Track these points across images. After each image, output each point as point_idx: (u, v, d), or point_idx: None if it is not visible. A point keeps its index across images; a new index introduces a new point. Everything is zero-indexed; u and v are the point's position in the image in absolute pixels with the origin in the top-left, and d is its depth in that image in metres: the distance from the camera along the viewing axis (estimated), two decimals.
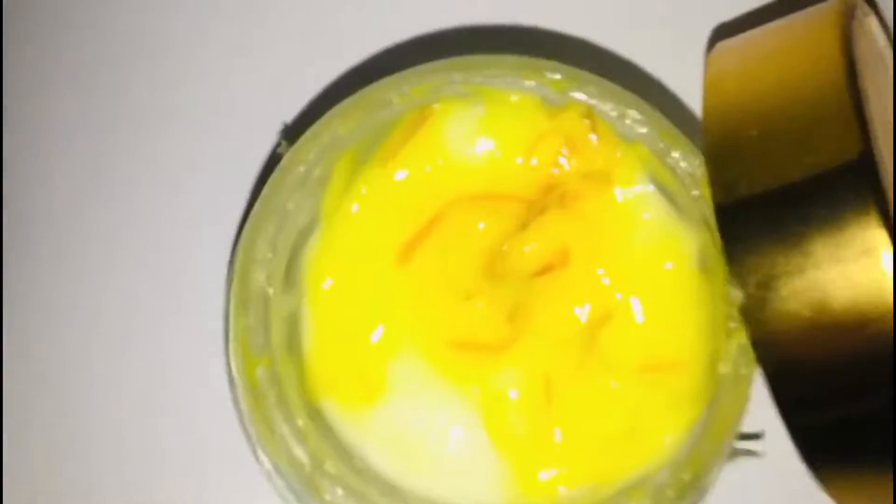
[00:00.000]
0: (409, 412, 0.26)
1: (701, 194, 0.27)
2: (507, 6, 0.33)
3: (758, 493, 0.31)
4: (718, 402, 0.25)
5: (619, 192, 0.27)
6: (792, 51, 0.27)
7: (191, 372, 0.31)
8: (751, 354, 0.24)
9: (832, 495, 0.26)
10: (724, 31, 0.31)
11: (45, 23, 0.34)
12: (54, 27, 0.34)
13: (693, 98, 0.32)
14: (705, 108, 0.27)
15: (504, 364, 0.26)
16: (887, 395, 0.24)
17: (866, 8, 0.30)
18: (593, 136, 0.27)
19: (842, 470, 0.26)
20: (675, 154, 0.27)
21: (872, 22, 0.30)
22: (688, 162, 0.27)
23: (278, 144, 0.29)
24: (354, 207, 0.27)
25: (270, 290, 0.26)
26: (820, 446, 0.25)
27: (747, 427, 0.30)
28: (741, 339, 0.25)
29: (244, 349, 0.25)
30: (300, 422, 0.25)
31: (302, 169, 0.27)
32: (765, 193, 0.25)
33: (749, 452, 0.30)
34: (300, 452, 0.25)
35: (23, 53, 0.34)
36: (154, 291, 0.32)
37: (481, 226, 0.27)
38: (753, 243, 0.24)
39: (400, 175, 0.28)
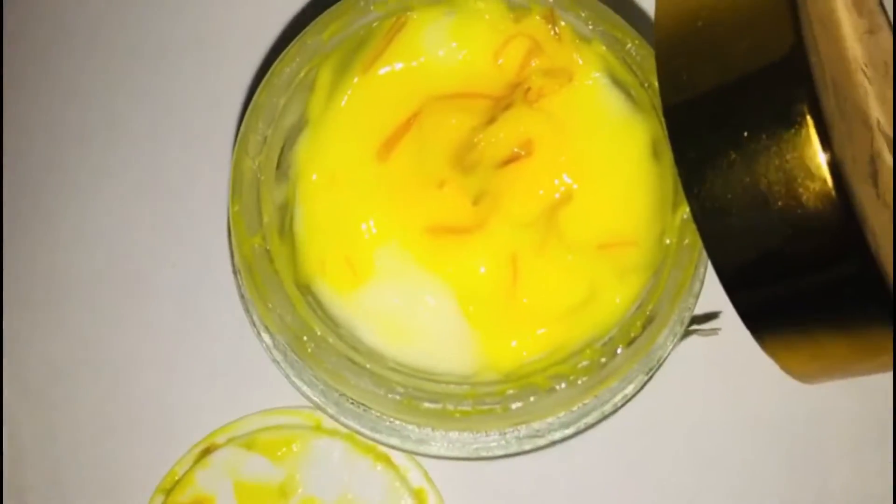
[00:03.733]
0: (392, 293, 0.29)
1: (651, 84, 0.29)
2: None
3: (717, 368, 0.34)
4: (663, 269, 0.28)
5: (578, 88, 0.30)
6: None
7: (200, 264, 0.35)
8: (693, 227, 0.27)
9: (773, 357, 0.28)
10: None
11: None
12: None
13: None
14: (658, 4, 0.29)
15: (474, 246, 0.29)
16: (819, 265, 0.26)
17: None
18: (555, 31, 0.29)
19: (781, 334, 0.28)
20: (629, 47, 0.29)
21: None
22: (640, 55, 0.29)
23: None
24: (339, 109, 0.30)
25: (262, 178, 0.29)
26: (759, 312, 0.27)
27: (707, 308, 0.33)
28: (685, 212, 0.28)
29: (239, 229, 0.28)
30: (290, 294, 0.28)
31: (288, 70, 0.29)
32: (706, 79, 0.27)
33: (705, 331, 0.32)
34: (291, 320, 0.28)
35: None
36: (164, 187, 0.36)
37: (453, 122, 0.30)
38: (694, 125, 0.27)
39: (379, 79, 0.30)
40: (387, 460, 0.38)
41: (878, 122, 0.30)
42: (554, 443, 0.30)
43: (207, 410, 0.38)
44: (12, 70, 0.38)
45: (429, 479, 0.38)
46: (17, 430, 0.38)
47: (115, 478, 0.38)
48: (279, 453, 0.37)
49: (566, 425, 0.29)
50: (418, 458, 0.38)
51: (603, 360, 0.27)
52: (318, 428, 0.38)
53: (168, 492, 0.37)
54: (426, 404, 0.27)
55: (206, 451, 0.38)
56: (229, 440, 0.38)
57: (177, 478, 0.38)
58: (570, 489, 0.36)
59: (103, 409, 0.38)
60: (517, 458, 0.34)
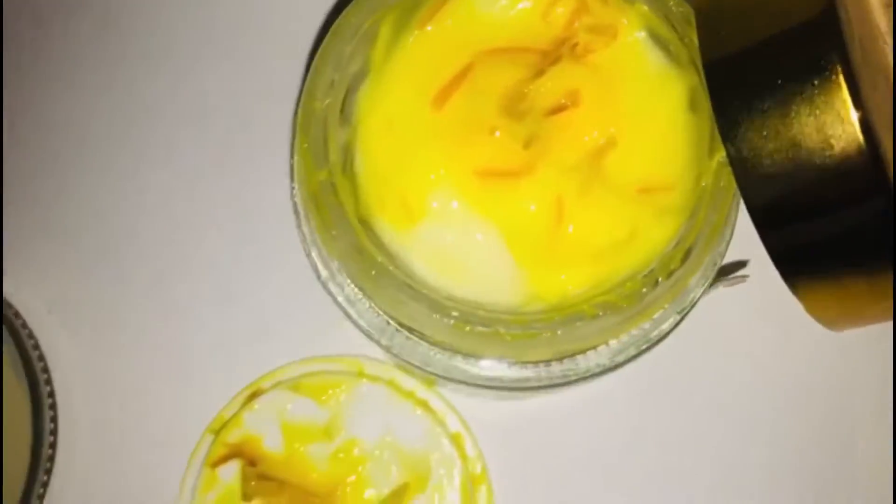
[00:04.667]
0: (445, 231, 0.31)
1: (691, 39, 0.31)
2: None
3: (744, 311, 0.36)
4: (700, 209, 0.30)
5: (622, 44, 0.32)
6: None
7: (260, 201, 0.37)
8: (728, 170, 0.29)
9: (801, 299, 0.30)
10: None
11: None
12: None
13: None
14: None
15: (522, 188, 0.31)
16: (846, 206, 0.28)
17: None
18: None
19: (810, 275, 0.30)
20: (670, 4, 0.32)
21: None
22: (680, 12, 0.32)
23: None
24: (398, 60, 0.33)
25: (329, 120, 0.31)
26: (789, 252, 0.29)
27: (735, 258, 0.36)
28: (721, 156, 0.30)
29: (306, 162, 0.30)
30: (353, 224, 0.30)
31: (354, 21, 0.32)
32: (743, 33, 0.29)
33: (734, 278, 0.34)
34: (354, 247, 0.30)
35: None
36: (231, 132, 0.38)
37: (505, 74, 0.32)
38: (732, 75, 0.29)
39: (436, 33, 0.33)
40: (425, 405, 0.40)
41: None
42: (591, 376, 0.32)
43: (254, 357, 0.40)
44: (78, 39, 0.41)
45: (465, 424, 0.40)
46: (70, 374, 0.40)
47: (166, 419, 0.40)
48: (324, 397, 0.40)
49: (603, 357, 0.31)
50: (455, 405, 0.40)
51: (644, 290, 0.29)
52: (360, 374, 0.40)
53: (217, 432, 0.39)
54: (479, 328, 0.29)
55: (253, 395, 0.40)
56: (275, 384, 0.40)
57: (225, 419, 0.40)
58: (600, 434, 0.38)
59: (155, 353, 0.40)
60: (550, 404, 0.36)
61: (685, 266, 0.29)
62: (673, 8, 0.32)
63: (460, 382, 0.32)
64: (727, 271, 0.35)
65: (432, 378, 0.35)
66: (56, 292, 0.41)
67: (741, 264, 0.35)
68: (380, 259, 0.30)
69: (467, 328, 0.29)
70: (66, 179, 0.40)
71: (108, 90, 0.40)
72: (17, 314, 0.40)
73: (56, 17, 0.40)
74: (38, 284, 0.41)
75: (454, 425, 0.40)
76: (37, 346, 0.40)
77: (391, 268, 0.30)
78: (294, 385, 0.40)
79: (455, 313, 0.29)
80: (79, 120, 0.40)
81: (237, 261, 0.40)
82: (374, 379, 0.40)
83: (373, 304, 0.31)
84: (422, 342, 0.31)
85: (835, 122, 0.28)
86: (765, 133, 0.28)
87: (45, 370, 0.40)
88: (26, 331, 0.40)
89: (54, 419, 0.40)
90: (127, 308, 0.40)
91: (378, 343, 0.33)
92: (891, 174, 0.28)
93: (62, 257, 0.40)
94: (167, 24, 0.40)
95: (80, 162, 0.40)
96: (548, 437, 0.39)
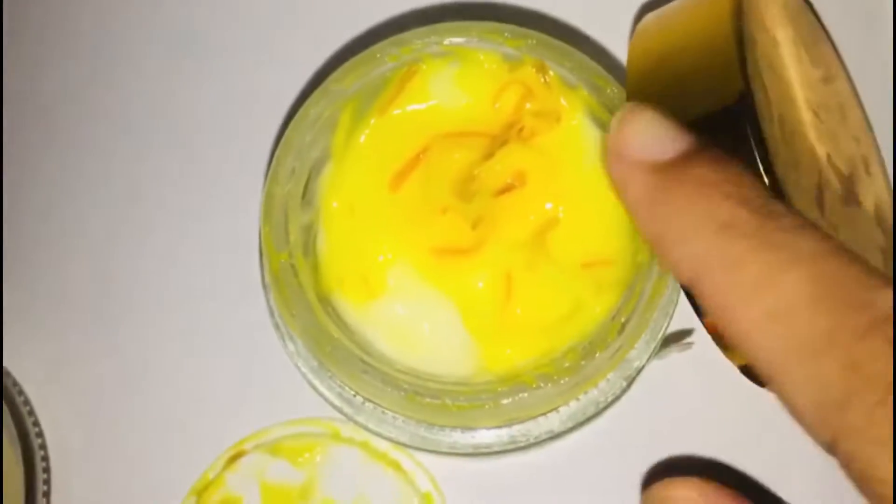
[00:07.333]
0: (401, 306, 0.33)
1: None
2: None
3: (690, 382, 0.37)
4: (637, 284, 0.32)
5: (565, 127, 0.34)
6: (697, 9, 0.33)
7: (232, 281, 0.40)
8: None
9: (731, 358, 0.32)
10: (648, 9, 0.38)
11: None
12: None
13: (619, 51, 0.41)
14: (630, 57, 0.33)
15: (473, 265, 0.33)
16: None
17: None
18: (545, 79, 0.34)
19: None
20: (608, 91, 0.34)
21: None
22: (618, 99, 0.34)
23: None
24: (357, 146, 0.35)
25: (289, 204, 0.33)
26: None
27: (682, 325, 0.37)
28: None
29: (269, 246, 0.33)
30: (312, 304, 0.32)
31: (314, 112, 0.34)
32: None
33: (680, 346, 0.36)
34: (312, 325, 0.32)
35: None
36: (203, 217, 0.41)
37: (457, 157, 0.34)
38: None
39: (393, 119, 0.35)
40: (397, 466, 0.41)
41: (829, 155, 0.34)
42: (542, 441, 0.34)
43: (236, 420, 0.41)
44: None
45: (435, 484, 0.41)
46: (63, 436, 0.42)
47: (151, 480, 0.41)
48: (300, 459, 0.41)
49: (554, 424, 0.33)
50: (425, 465, 0.41)
51: (583, 363, 0.31)
52: (335, 436, 0.42)
53: (200, 493, 0.41)
54: (428, 399, 0.31)
55: (236, 457, 0.42)
56: (256, 447, 0.42)
57: (208, 480, 0.41)
58: (567, 494, 0.39)
59: (143, 416, 0.42)
60: (512, 462, 0.37)
61: (621, 338, 0.31)
62: (611, 95, 0.34)
63: (423, 449, 0.34)
64: (675, 339, 0.37)
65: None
66: (53, 360, 0.43)
67: (687, 332, 0.37)
68: (336, 335, 0.32)
69: (418, 399, 0.31)
70: (63, 251, 0.43)
71: (89, 177, 0.43)
72: (13, 381, 0.43)
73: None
74: (36, 352, 0.43)
75: (424, 485, 0.41)
76: (32, 413, 0.43)
77: (347, 343, 0.32)
78: (273, 447, 0.42)
79: (406, 386, 0.31)
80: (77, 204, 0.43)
81: (220, 328, 0.42)
82: (349, 441, 0.42)
83: (334, 377, 0.33)
84: (382, 412, 0.33)
85: None
86: None
87: (40, 434, 0.42)
88: (21, 397, 0.43)
89: (48, 482, 0.42)
90: (109, 370, 0.42)
91: (342, 412, 0.34)
92: None
93: (58, 326, 0.43)
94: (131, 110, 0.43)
95: (79, 232, 0.43)
96: (518, 496, 0.40)
